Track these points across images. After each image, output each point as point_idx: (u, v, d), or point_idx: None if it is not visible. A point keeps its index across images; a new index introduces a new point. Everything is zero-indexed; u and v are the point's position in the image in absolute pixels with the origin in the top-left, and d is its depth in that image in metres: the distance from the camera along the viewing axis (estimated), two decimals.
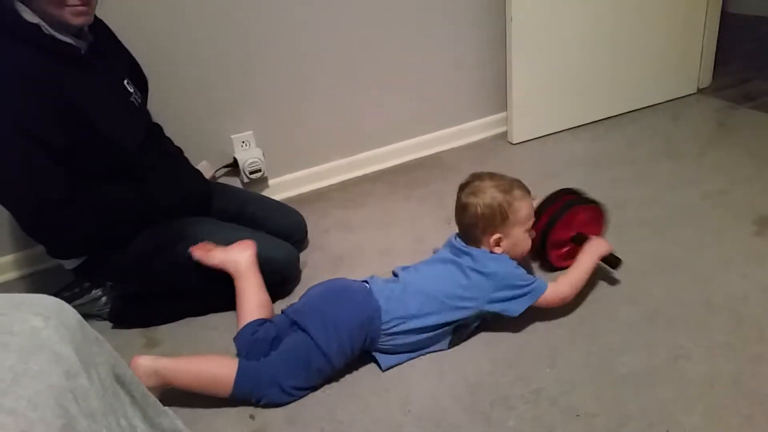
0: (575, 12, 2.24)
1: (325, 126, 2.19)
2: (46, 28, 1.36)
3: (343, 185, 2.24)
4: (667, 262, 1.60)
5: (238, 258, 1.50)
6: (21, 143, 1.32)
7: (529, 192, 1.47)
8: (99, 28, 1.48)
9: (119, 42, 1.63)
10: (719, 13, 2.51)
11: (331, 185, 2.25)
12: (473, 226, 1.44)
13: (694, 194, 1.88)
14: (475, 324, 1.42)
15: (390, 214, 1.99)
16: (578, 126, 2.41)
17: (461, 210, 1.46)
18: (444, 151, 2.39)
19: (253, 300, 1.46)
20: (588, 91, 2.38)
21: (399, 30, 2.17)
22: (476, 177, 1.48)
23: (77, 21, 1.38)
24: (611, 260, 1.52)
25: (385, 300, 1.36)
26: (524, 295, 1.38)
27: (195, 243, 1.54)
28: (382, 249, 1.80)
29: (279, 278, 1.64)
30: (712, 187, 1.91)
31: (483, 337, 1.42)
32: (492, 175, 1.47)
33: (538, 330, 1.42)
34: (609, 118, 2.46)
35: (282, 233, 1.71)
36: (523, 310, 1.38)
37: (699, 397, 1.20)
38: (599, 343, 1.36)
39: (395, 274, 1.50)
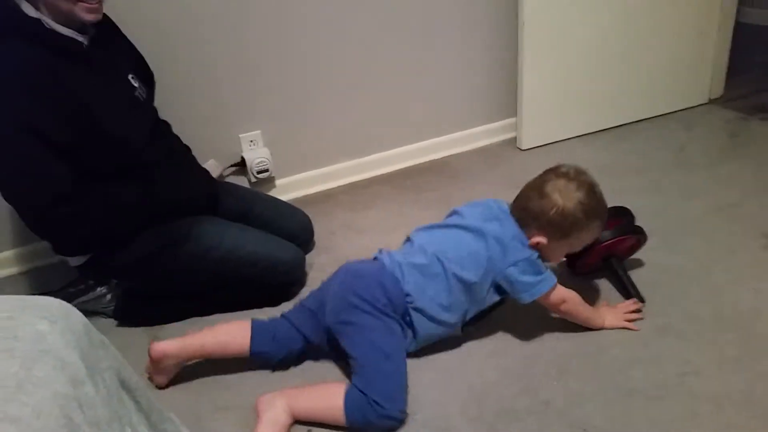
0: (587, 19, 2.22)
1: (334, 127, 2.17)
2: (47, 23, 1.35)
3: (351, 187, 2.23)
4: (677, 275, 1.58)
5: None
6: (25, 140, 1.32)
7: (605, 223, 1.38)
8: (103, 22, 1.47)
9: (124, 36, 1.62)
10: (732, 23, 2.48)
11: (338, 187, 2.23)
12: (534, 217, 1.32)
13: (705, 206, 1.86)
14: (489, 302, 1.36)
15: (397, 218, 1.98)
16: (588, 133, 2.39)
17: (538, 194, 1.32)
18: (452, 155, 2.37)
19: (223, 329, 1.39)
20: (599, 98, 2.36)
21: (409, 32, 2.15)
22: (578, 177, 1.33)
23: (89, 17, 1.37)
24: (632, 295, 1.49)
25: (397, 267, 1.33)
26: (536, 282, 1.32)
27: (199, 242, 1.53)
28: None
29: (284, 280, 1.63)
30: (723, 199, 1.89)
31: (490, 347, 1.41)
32: (590, 187, 1.33)
33: (546, 341, 1.41)
34: (619, 126, 2.44)
35: (288, 234, 1.70)
36: (532, 299, 1.33)
37: (709, 415, 1.18)
38: (608, 357, 1.35)
39: (409, 239, 1.45)
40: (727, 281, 1.54)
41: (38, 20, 1.34)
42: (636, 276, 1.54)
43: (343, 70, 2.10)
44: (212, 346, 1.37)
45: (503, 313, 1.50)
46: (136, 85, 1.56)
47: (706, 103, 2.56)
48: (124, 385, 0.78)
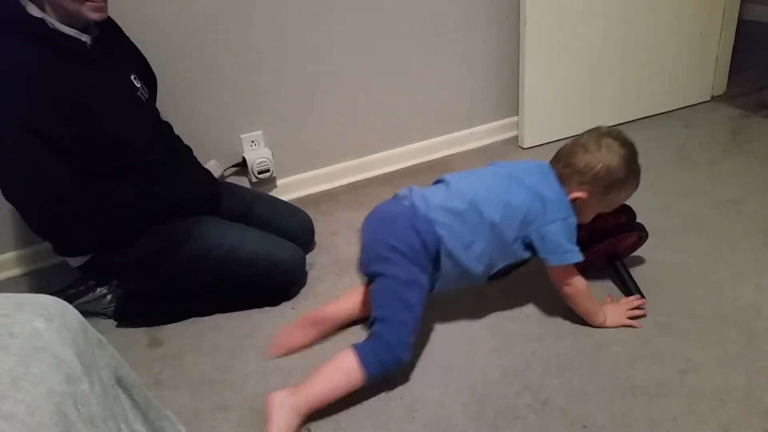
0: (589, 17, 2.21)
1: (335, 127, 2.17)
2: (51, 23, 1.35)
3: (352, 187, 2.23)
4: (678, 273, 1.57)
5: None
6: (27, 140, 1.32)
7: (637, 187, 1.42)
8: (106, 22, 1.47)
9: (126, 37, 1.62)
10: (736, 21, 2.47)
11: (339, 187, 2.23)
12: (579, 172, 1.34)
13: (707, 203, 1.85)
14: (519, 258, 1.38)
15: None
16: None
17: (582, 150, 1.35)
18: (454, 154, 2.37)
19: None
20: (600, 96, 2.35)
21: (410, 31, 2.15)
22: (619, 137, 1.37)
23: (95, 16, 1.38)
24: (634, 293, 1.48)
25: (432, 210, 1.34)
26: (568, 249, 1.33)
27: (200, 242, 1.53)
28: None
29: (285, 280, 1.63)
30: (725, 196, 1.88)
31: (492, 344, 1.41)
32: (631, 146, 1.38)
33: (546, 339, 1.40)
34: (621, 124, 2.43)
35: (289, 234, 1.70)
36: (559, 263, 1.34)
37: (710, 412, 1.17)
38: (608, 354, 1.34)
39: (442, 180, 1.45)
40: (729, 278, 1.53)
41: (42, 20, 1.34)
42: (637, 273, 1.53)
43: (344, 69, 2.10)
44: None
45: (504, 310, 1.50)
46: (138, 85, 1.57)
47: (708, 101, 2.56)
48: (120, 383, 0.78)
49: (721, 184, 1.95)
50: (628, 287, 1.50)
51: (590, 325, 1.42)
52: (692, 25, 2.39)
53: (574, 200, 1.36)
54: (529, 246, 1.37)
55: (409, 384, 1.32)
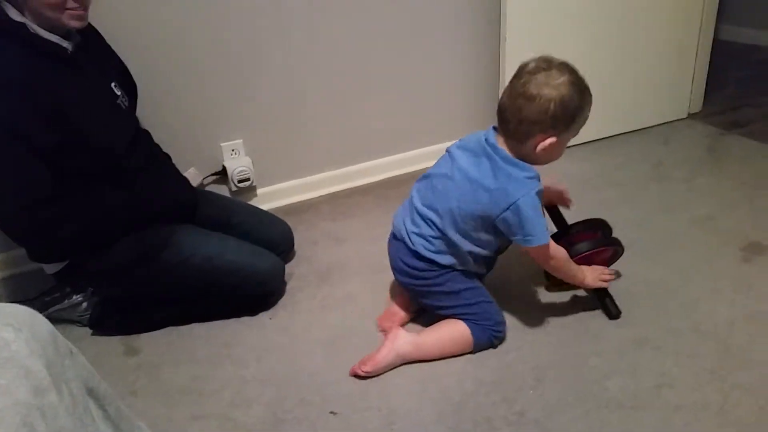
0: (569, 34, 2.24)
1: (316, 137, 2.17)
2: (32, 27, 1.34)
3: (333, 197, 2.23)
4: (655, 287, 1.59)
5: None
6: (6, 143, 1.30)
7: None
8: (88, 30, 1.47)
9: (108, 45, 1.62)
10: (711, 41, 2.53)
11: (320, 196, 2.23)
12: (534, 123, 1.24)
13: (683, 219, 1.88)
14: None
15: (379, 228, 1.96)
16: (568, 146, 2.40)
17: (526, 100, 1.23)
18: (448, 152, 2.37)
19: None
20: None
21: (393, 44, 2.17)
22: (552, 64, 1.26)
23: (75, 24, 1.38)
24: (609, 308, 1.50)
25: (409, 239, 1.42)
26: (527, 232, 1.29)
27: (179, 251, 1.52)
28: (371, 263, 1.78)
29: (263, 290, 1.62)
30: (701, 212, 1.91)
31: (468, 355, 1.41)
32: (568, 67, 1.27)
33: (523, 350, 1.41)
34: (600, 139, 2.46)
35: (268, 243, 1.69)
36: (534, 246, 1.31)
37: (684, 426, 1.19)
38: (585, 367, 1.35)
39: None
40: (704, 293, 1.55)
41: (23, 24, 1.33)
42: (614, 288, 1.55)
43: (326, 81, 2.11)
44: None
45: None
46: (118, 93, 1.56)
47: (685, 118, 2.60)
48: (91, 393, 0.77)
49: (697, 200, 1.98)
50: (605, 305, 1.50)
51: (567, 338, 1.43)
52: (669, 45, 2.43)
53: (544, 148, 1.28)
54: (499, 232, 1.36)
55: (386, 395, 1.32)
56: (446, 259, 1.39)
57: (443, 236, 1.38)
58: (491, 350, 1.42)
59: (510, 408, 1.26)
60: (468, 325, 1.39)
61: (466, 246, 1.37)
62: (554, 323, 1.49)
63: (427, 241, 1.39)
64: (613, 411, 1.23)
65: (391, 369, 1.39)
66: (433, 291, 1.43)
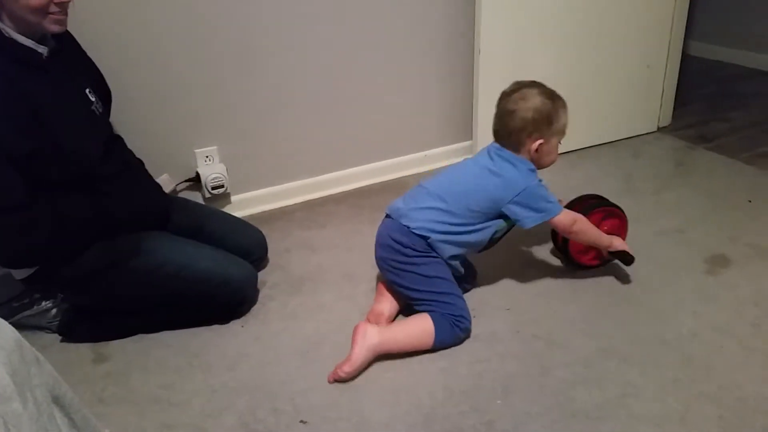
0: (542, 48, 2.28)
1: (291, 144, 2.18)
2: (6, 32, 1.33)
3: (307, 205, 2.23)
4: (621, 298, 1.62)
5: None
6: None
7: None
8: (63, 35, 1.46)
9: (83, 51, 1.61)
10: (680, 55, 2.59)
11: (294, 204, 2.23)
12: (520, 131, 1.50)
13: (650, 231, 1.92)
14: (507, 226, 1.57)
15: (354, 237, 1.98)
16: None
17: (509, 115, 1.51)
18: (410, 175, 2.39)
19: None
20: None
21: (368, 54, 2.18)
22: (522, 84, 1.54)
23: (55, 28, 1.38)
24: (626, 258, 1.63)
25: (405, 216, 1.53)
26: (543, 209, 1.50)
27: (151, 258, 1.51)
28: (344, 272, 1.79)
29: (236, 298, 1.62)
30: (668, 225, 1.95)
31: (439, 364, 1.42)
32: (536, 83, 1.54)
33: (493, 361, 1.43)
34: (570, 152, 2.50)
35: (242, 251, 1.69)
36: (535, 223, 1.50)
37: None
38: (552, 377, 1.37)
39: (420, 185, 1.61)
40: (669, 305, 1.59)
41: None
42: (582, 299, 1.58)
43: (302, 89, 2.12)
44: None
45: None
46: (92, 99, 1.55)
47: (654, 131, 2.66)
48: (57, 401, 0.76)
49: (665, 213, 2.03)
50: (627, 259, 1.64)
51: (535, 348, 1.46)
52: (639, 59, 2.48)
53: (536, 149, 1.51)
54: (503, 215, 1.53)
55: (358, 405, 1.32)
56: (436, 236, 1.49)
57: (445, 218, 1.50)
58: (461, 359, 1.43)
59: (480, 418, 1.27)
60: (432, 317, 1.46)
61: (466, 227, 1.50)
62: (523, 334, 1.51)
63: (431, 212, 1.50)
64: (580, 421, 1.25)
65: (367, 366, 1.42)
66: (407, 270, 1.50)
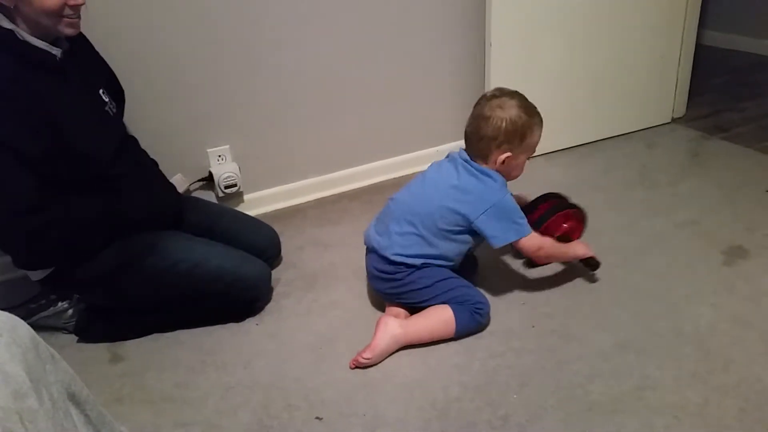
0: (554, 40, 2.26)
1: (303, 142, 2.18)
2: (21, 35, 1.34)
3: (320, 203, 2.23)
4: (638, 291, 1.61)
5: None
6: None
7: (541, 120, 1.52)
8: (76, 36, 1.47)
9: (96, 52, 1.62)
10: (694, 45, 2.56)
11: (307, 202, 2.24)
12: (491, 139, 1.45)
13: (666, 223, 1.90)
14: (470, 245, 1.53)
15: None
16: (553, 152, 2.43)
17: (483, 120, 1.46)
18: (422, 171, 2.38)
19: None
20: (563, 117, 2.40)
21: (379, 51, 2.18)
22: (503, 93, 1.49)
23: (69, 31, 1.39)
24: (592, 263, 1.61)
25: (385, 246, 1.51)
26: (510, 228, 1.46)
27: (165, 257, 1.52)
28: (357, 269, 1.79)
29: (250, 296, 1.62)
30: (684, 216, 1.93)
31: (453, 360, 1.42)
32: (518, 95, 1.49)
33: (507, 355, 1.42)
34: (584, 144, 2.48)
35: (255, 249, 1.69)
36: (504, 243, 1.46)
37: (665, 428, 1.20)
38: (568, 371, 1.36)
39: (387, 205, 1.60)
40: (687, 297, 1.57)
41: (11, 31, 1.33)
42: (598, 292, 1.56)
43: (313, 86, 2.12)
44: None
45: None
46: (106, 100, 1.56)
47: (669, 123, 2.63)
48: (73, 398, 0.77)
49: (680, 204, 2.00)
50: (593, 264, 1.62)
51: (551, 342, 1.44)
52: (653, 50, 2.46)
53: (503, 162, 1.47)
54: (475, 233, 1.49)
55: (372, 401, 1.32)
56: (416, 261, 1.48)
57: (417, 241, 1.48)
58: (476, 354, 1.43)
59: (494, 413, 1.27)
60: (451, 306, 1.46)
61: (441, 247, 1.48)
62: (538, 328, 1.50)
63: (402, 238, 1.49)
64: (596, 414, 1.24)
65: (387, 356, 1.43)
66: (407, 290, 1.50)
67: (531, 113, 1.47)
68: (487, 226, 1.45)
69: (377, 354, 1.41)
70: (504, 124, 1.44)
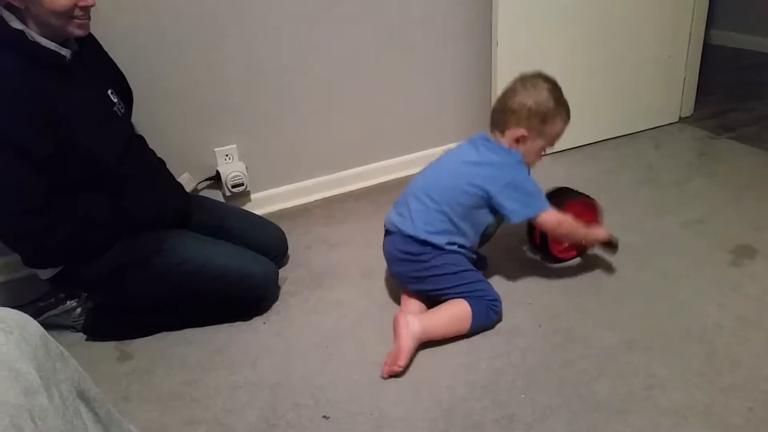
0: (560, 40, 2.26)
1: (310, 141, 2.19)
2: (31, 35, 1.35)
3: (327, 202, 2.24)
4: (644, 290, 1.60)
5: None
6: (3, 152, 1.31)
7: (568, 115, 1.55)
8: (85, 37, 1.48)
9: (105, 53, 1.63)
10: (701, 45, 2.55)
11: (314, 201, 2.24)
12: (513, 113, 1.47)
13: (673, 223, 1.89)
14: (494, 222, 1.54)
15: (373, 233, 1.96)
16: (560, 151, 2.43)
17: (512, 93, 1.49)
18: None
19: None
20: (571, 116, 2.39)
21: (386, 50, 2.18)
22: (542, 76, 1.51)
23: (79, 32, 1.40)
24: (612, 245, 1.62)
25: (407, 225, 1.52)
26: (530, 203, 1.47)
27: (172, 256, 1.53)
28: (364, 268, 1.80)
29: (257, 294, 1.63)
30: (691, 216, 1.92)
31: (460, 360, 1.42)
32: (555, 83, 1.51)
33: (514, 355, 1.42)
34: (591, 144, 2.48)
35: (262, 248, 1.70)
36: (524, 218, 1.48)
37: (672, 428, 1.20)
38: (574, 370, 1.36)
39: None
40: (693, 296, 1.56)
41: (21, 32, 1.34)
42: (604, 292, 1.56)
43: (320, 86, 2.12)
44: None
45: None
46: (115, 100, 1.57)
47: (676, 122, 2.62)
48: (82, 396, 0.77)
49: (688, 203, 2.00)
50: (613, 246, 1.63)
51: (557, 342, 1.44)
52: (660, 49, 2.45)
53: (517, 140, 1.49)
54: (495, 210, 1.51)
55: (379, 400, 1.33)
56: (442, 239, 1.48)
57: (441, 212, 1.48)
58: (482, 354, 1.43)
59: (500, 412, 1.27)
60: (468, 301, 1.46)
61: (461, 224, 1.49)
62: (544, 328, 1.50)
63: (425, 214, 1.49)
64: (602, 413, 1.24)
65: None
66: (431, 275, 1.49)
67: (560, 103, 1.49)
68: (506, 200, 1.46)
69: (408, 357, 1.39)
70: (530, 101, 1.46)
